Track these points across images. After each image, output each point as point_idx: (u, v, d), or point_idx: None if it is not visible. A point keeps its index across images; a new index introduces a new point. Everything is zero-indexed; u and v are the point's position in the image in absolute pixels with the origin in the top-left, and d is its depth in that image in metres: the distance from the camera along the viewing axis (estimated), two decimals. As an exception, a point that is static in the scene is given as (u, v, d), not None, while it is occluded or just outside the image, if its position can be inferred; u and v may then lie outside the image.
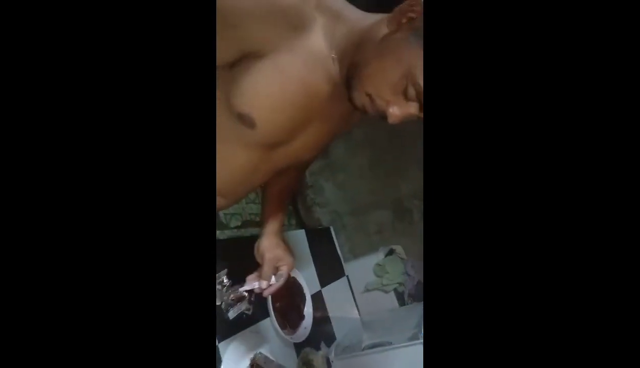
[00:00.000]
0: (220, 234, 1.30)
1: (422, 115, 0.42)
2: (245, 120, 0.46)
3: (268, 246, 0.59)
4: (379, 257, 1.45)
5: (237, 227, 1.44)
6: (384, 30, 0.41)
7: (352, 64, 0.44)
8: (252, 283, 0.57)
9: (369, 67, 0.42)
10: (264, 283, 0.56)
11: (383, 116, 0.44)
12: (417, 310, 0.99)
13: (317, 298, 0.91)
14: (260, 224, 0.64)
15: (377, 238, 1.61)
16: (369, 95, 0.43)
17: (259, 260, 0.59)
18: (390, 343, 0.82)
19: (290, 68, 0.43)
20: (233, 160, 0.52)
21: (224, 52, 0.43)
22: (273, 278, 0.57)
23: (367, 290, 1.42)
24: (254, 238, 0.80)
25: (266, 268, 0.57)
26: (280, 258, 0.58)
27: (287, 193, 0.68)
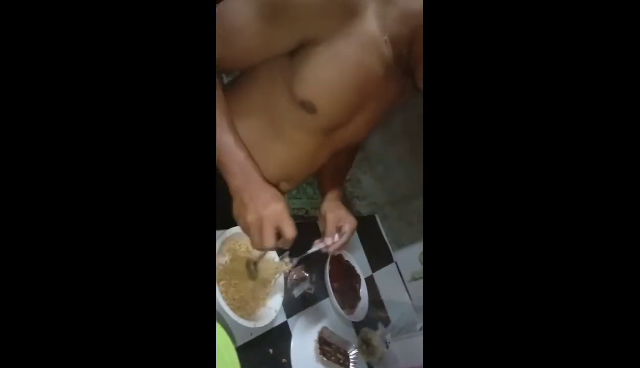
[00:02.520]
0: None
1: None
2: (307, 107, 0.50)
3: (329, 208, 0.62)
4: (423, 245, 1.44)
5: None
6: None
7: (412, 49, 0.47)
8: (318, 245, 0.60)
9: None
10: (329, 241, 0.59)
11: None
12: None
13: (370, 282, 0.93)
14: (321, 196, 0.68)
15: (420, 227, 1.60)
16: None
17: (321, 223, 0.62)
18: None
19: (346, 52, 0.46)
20: (297, 147, 0.56)
21: (284, 42, 0.46)
22: (337, 237, 0.59)
23: (414, 279, 1.41)
24: (314, 224, 0.84)
25: (329, 226, 0.60)
26: (341, 217, 0.61)
27: (342, 172, 0.71)
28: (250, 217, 0.47)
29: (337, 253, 0.85)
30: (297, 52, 0.47)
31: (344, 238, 0.61)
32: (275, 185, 0.61)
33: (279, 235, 0.48)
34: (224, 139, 0.49)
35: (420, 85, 0.47)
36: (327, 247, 0.60)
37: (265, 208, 0.47)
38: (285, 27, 0.45)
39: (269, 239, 0.47)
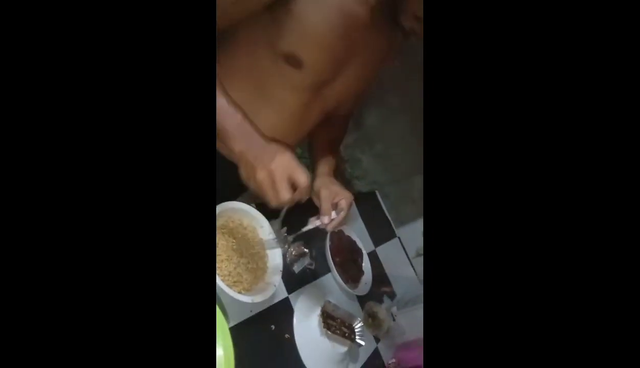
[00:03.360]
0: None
1: None
2: (291, 61, 0.47)
3: (323, 183, 0.60)
4: (426, 221, 1.42)
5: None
6: None
7: None
8: (314, 222, 0.57)
9: None
10: (326, 219, 0.56)
11: None
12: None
13: (373, 257, 0.91)
14: (312, 170, 0.65)
15: (422, 204, 1.58)
16: (418, 18, 0.42)
17: (315, 200, 0.60)
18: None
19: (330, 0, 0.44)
20: (284, 107, 0.53)
21: None
22: (334, 214, 0.57)
23: (419, 255, 1.40)
24: (309, 200, 0.82)
25: (324, 204, 0.57)
26: (337, 193, 0.58)
27: (335, 142, 0.68)
28: (261, 175, 0.45)
29: (337, 229, 0.83)
30: (277, 3, 0.44)
31: (342, 215, 0.58)
32: None
33: (293, 187, 0.46)
34: (218, 101, 0.46)
35: (407, 26, 0.44)
36: (324, 225, 0.58)
37: (272, 162, 0.45)
38: None
39: (284, 192, 0.45)
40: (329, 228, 0.58)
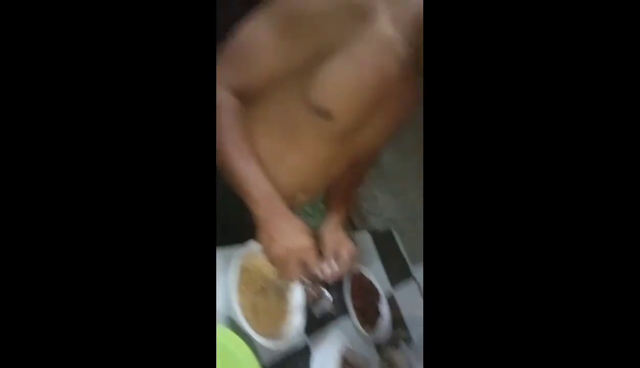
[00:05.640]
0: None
1: None
2: (322, 113, 0.50)
3: (329, 229, 0.61)
4: (442, 260, 1.40)
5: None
6: None
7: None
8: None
9: None
10: (327, 270, 0.57)
11: None
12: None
13: (390, 299, 0.91)
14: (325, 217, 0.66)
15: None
16: None
17: (321, 247, 0.60)
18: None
19: (363, 56, 0.47)
20: (313, 155, 0.56)
21: (303, 54, 0.47)
22: (335, 266, 0.57)
23: (435, 295, 1.37)
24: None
25: (327, 249, 0.58)
26: (340, 241, 0.59)
27: (352, 190, 0.70)
28: (277, 251, 0.48)
29: (357, 271, 0.83)
30: (314, 60, 0.47)
31: (343, 266, 0.59)
32: (291, 197, 0.61)
33: (305, 265, 0.49)
34: (248, 169, 0.50)
35: None
36: (325, 275, 0.58)
37: (292, 243, 0.48)
38: (303, 39, 0.46)
39: (294, 274, 0.49)
40: (330, 280, 0.58)
